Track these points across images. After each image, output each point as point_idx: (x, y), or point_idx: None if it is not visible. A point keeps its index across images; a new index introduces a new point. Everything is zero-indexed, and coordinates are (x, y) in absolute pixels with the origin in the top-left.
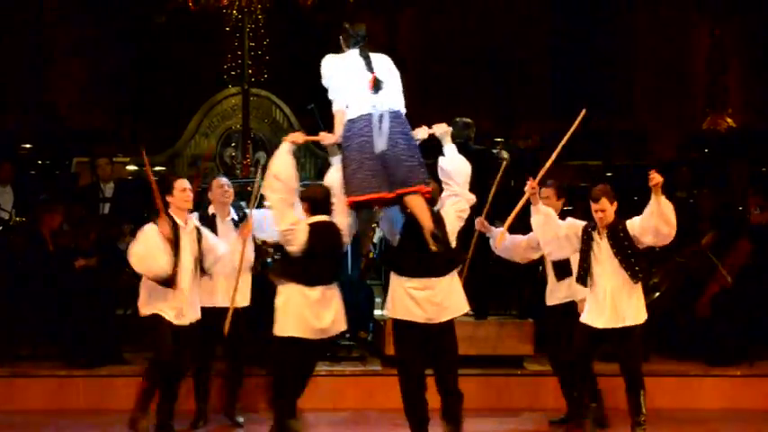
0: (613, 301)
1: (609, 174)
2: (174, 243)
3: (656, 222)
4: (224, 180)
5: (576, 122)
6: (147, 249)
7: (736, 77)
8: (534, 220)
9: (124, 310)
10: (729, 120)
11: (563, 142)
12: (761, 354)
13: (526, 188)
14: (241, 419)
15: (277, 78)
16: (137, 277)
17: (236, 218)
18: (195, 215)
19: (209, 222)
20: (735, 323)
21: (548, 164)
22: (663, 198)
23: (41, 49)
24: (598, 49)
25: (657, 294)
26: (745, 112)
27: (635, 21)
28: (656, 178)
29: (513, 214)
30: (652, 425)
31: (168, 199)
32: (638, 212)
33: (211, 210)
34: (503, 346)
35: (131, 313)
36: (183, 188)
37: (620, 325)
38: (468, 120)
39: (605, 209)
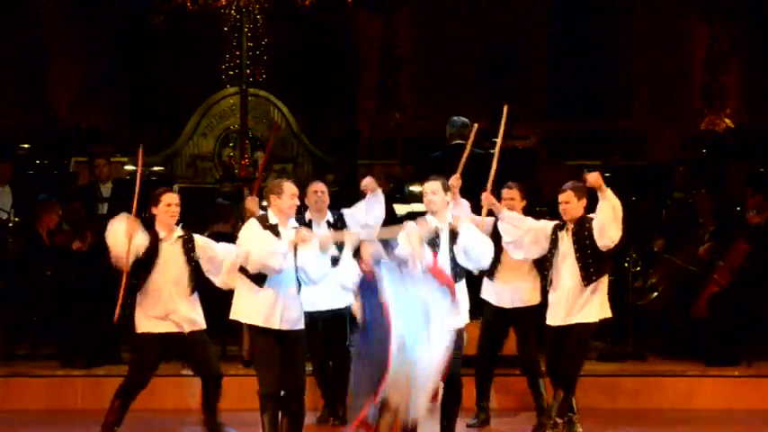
0: (568, 300)
1: (607, 174)
2: (151, 253)
3: (601, 221)
4: (319, 185)
5: (503, 120)
6: (110, 233)
7: (735, 78)
8: (500, 227)
9: (122, 310)
10: (727, 120)
11: (498, 143)
12: (759, 354)
13: (483, 201)
14: None
15: (275, 78)
16: (135, 279)
17: (331, 220)
18: (292, 220)
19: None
20: (733, 323)
21: (492, 170)
22: (609, 194)
23: (39, 48)
24: (596, 50)
25: (655, 294)
26: (743, 113)
27: (633, 21)
28: (590, 178)
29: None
30: (651, 425)
31: (154, 211)
32: (637, 212)
33: (308, 215)
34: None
35: (129, 313)
36: (168, 203)
37: (568, 322)
38: (465, 119)
39: (569, 201)
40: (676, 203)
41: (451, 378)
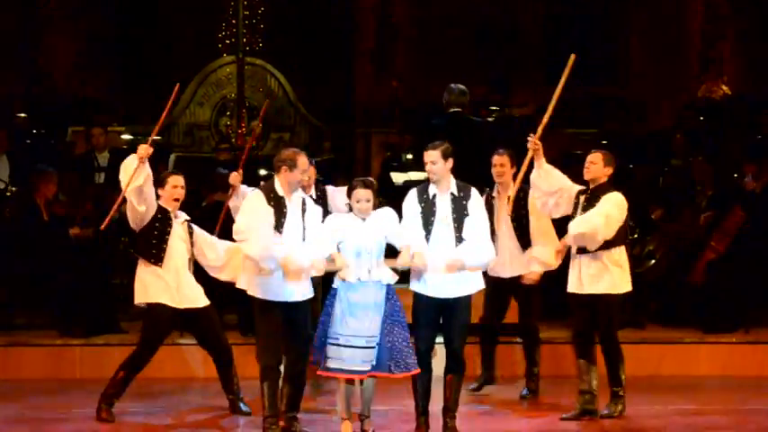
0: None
1: (604, 141)
2: (164, 227)
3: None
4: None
5: (566, 70)
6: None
7: (732, 45)
8: (533, 178)
9: (121, 279)
10: (725, 87)
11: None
12: (756, 320)
13: (529, 144)
14: None
15: (272, 47)
16: (133, 247)
17: (314, 196)
18: (298, 192)
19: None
20: (730, 290)
21: (547, 116)
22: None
23: (36, 17)
24: (593, 17)
25: (652, 262)
26: (740, 80)
27: None
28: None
29: (522, 170)
30: (649, 392)
31: (159, 192)
32: (633, 180)
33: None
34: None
35: (128, 282)
36: (174, 185)
37: (591, 292)
38: (463, 87)
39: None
40: (674, 171)
41: (454, 351)
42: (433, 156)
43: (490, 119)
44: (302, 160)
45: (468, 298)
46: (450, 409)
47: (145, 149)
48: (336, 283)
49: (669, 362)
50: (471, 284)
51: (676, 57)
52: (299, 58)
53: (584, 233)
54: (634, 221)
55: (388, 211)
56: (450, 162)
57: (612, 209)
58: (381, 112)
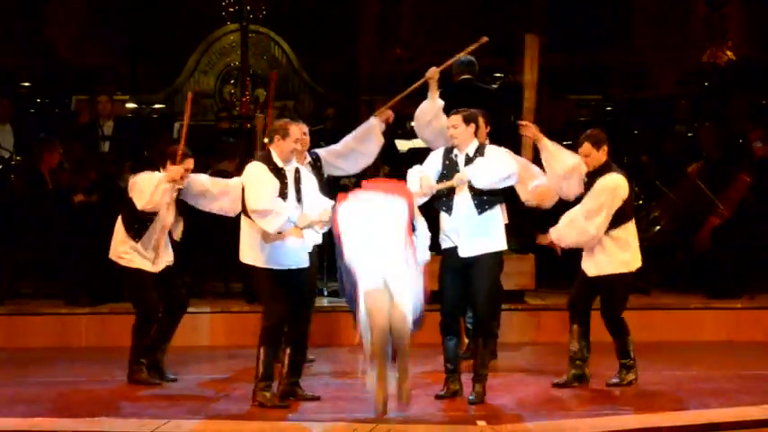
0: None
1: (608, 108)
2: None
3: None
4: (303, 126)
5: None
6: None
7: (736, 9)
8: (543, 156)
9: None
10: (729, 53)
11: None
12: (761, 286)
13: (521, 130)
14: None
15: (275, 15)
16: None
17: (311, 160)
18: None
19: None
20: (735, 256)
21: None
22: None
23: None
24: None
25: (657, 228)
26: (745, 45)
27: None
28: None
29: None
30: (654, 358)
31: (169, 166)
32: (637, 146)
33: None
34: (504, 280)
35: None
36: (187, 167)
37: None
38: (471, 57)
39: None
40: (678, 137)
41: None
42: (454, 120)
43: (494, 85)
44: (294, 129)
45: (490, 258)
46: (477, 374)
47: (177, 171)
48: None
49: (674, 328)
50: (492, 243)
51: (680, 21)
52: (302, 26)
53: (575, 243)
54: (639, 188)
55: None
56: (473, 127)
57: (606, 200)
58: (386, 80)
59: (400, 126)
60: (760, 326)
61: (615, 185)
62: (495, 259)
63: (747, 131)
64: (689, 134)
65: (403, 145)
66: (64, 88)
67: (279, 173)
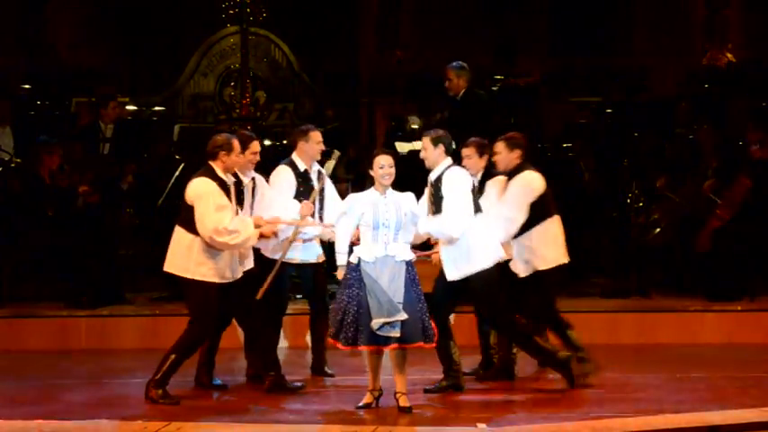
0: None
1: (608, 110)
2: None
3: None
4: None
5: None
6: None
7: (736, 12)
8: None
9: (126, 251)
10: (729, 55)
11: None
12: (761, 288)
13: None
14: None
15: (276, 17)
16: (137, 217)
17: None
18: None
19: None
20: (735, 258)
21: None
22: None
23: None
24: None
25: (657, 230)
26: (744, 47)
27: None
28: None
29: None
30: (654, 361)
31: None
32: (638, 150)
33: (302, 166)
34: None
35: (133, 254)
36: (254, 150)
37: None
38: (461, 63)
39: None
40: (678, 139)
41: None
42: (423, 142)
43: (494, 88)
44: (314, 133)
45: (476, 279)
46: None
47: (270, 230)
48: (354, 259)
49: (674, 330)
50: (471, 265)
51: (680, 24)
52: (303, 28)
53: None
54: (639, 190)
55: (408, 194)
56: (442, 147)
57: (517, 197)
58: (386, 82)
59: (400, 128)
60: (760, 328)
61: (524, 183)
62: (483, 278)
63: (747, 133)
64: (689, 137)
65: (403, 147)
66: (64, 90)
67: (305, 177)
